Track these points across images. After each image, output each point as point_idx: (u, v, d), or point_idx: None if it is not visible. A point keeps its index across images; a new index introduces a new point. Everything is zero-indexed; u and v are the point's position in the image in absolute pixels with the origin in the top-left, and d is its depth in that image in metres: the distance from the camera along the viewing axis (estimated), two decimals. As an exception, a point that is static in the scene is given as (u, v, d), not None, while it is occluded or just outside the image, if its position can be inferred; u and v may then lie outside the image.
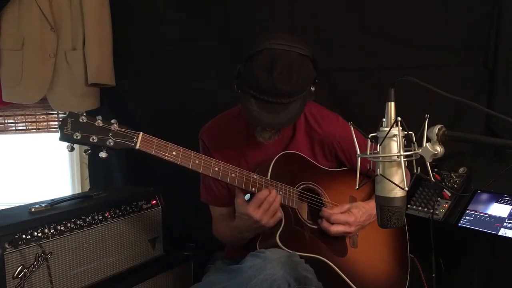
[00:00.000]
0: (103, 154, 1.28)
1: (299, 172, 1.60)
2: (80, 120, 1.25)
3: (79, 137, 1.24)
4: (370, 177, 1.03)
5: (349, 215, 1.55)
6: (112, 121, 1.29)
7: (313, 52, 1.49)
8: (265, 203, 1.43)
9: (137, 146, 1.31)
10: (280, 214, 1.47)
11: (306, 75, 1.47)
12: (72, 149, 1.27)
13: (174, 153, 1.35)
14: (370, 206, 1.61)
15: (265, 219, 1.43)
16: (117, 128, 1.29)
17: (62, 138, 1.25)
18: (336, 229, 1.53)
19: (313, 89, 1.53)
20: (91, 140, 1.25)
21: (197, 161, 1.39)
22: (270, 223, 1.45)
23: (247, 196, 1.52)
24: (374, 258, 1.65)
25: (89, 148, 1.28)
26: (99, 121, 1.27)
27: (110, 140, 1.27)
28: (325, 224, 1.53)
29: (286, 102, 1.44)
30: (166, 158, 1.34)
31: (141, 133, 1.32)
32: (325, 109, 1.72)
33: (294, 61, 1.42)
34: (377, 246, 1.68)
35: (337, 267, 1.51)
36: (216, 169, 1.42)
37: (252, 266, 1.32)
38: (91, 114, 1.29)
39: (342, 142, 1.65)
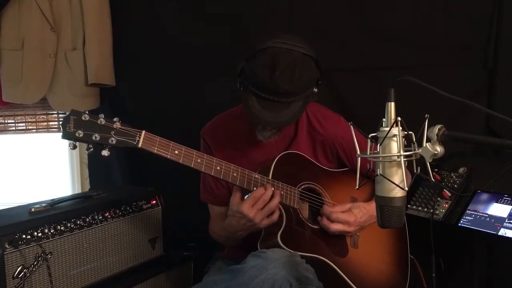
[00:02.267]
0: (105, 152, 1.28)
1: (300, 172, 1.60)
2: (83, 118, 1.25)
3: (81, 135, 1.23)
4: (370, 177, 1.03)
5: (350, 214, 1.55)
6: (115, 119, 1.29)
7: (317, 53, 1.49)
8: (260, 202, 1.42)
9: (140, 145, 1.30)
10: (276, 216, 1.46)
11: (308, 75, 1.46)
12: (74, 147, 1.26)
13: (176, 152, 1.35)
14: (371, 207, 1.60)
15: (259, 218, 1.42)
16: (119, 126, 1.28)
17: (64, 136, 1.24)
18: (335, 227, 1.53)
19: (316, 90, 1.53)
20: (93, 138, 1.25)
21: (199, 160, 1.39)
22: (263, 223, 1.44)
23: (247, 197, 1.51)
24: (375, 259, 1.65)
25: (91, 146, 1.27)
26: (102, 119, 1.26)
27: (113, 138, 1.27)
28: (325, 221, 1.53)
29: (288, 101, 1.43)
30: (169, 157, 1.33)
31: (143, 131, 1.31)
32: (327, 109, 1.72)
33: (297, 60, 1.42)
34: (378, 246, 1.68)
35: (337, 267, 1.51)
36: (218, 168, 1.42)
37: (253, 266, 1.32)
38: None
39: (343, 143, 1.65)
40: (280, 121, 1.47)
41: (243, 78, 1.49)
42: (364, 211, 1.59)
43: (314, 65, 1.48)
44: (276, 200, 1.45)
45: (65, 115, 2.29)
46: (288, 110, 1.44)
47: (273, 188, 1.46)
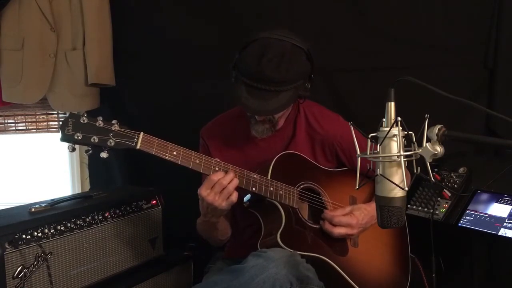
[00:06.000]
0: (104, 154, 1.29)
1: (299, 172, 1.60)
2: (81, 121, 1.26)
3: (80, 138, 1.24)
4: (370, 177, 1.03)
5: (352, 217, 1.55)
6: (113, 121, 1.30)
7: (310, 48, 1.49)
8: (217, 185, 1.40)
9: (138, 146, 1.31)
10: (234, 197, 1.43)
11: (297, 66, 1.47)
12: (73, 150, 1.28)
13: (174, 153, 1.35)
14: (372, 208, 1.60)
15: (218, 201, 1.40)
16: (117, 128, 1.29)
17: (63, 139, 1.25)
18: (338, 231, 1.53)
19: (308, 85, 1.53)
20: (92, 140, 1.26)
21: (197, 161, 1.39)
22: (223, 206, 1.41)
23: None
24: (375, 258, 1.65)
25: (90, 148, 1.28)
26: (100, 121, 1.28)
27: (111, 140, 1.28)
28: (327, 226, 1.53)
29: (275, 90, 1.43)
30: (167, 158, 1.34)
31: (141, 133, 1.32)
32: (326, 109, 1.72)
33: (286, 51, 1.43)
34: (378, 246, 1.68)
35: (338, 266, 1.51)
36: (217, 168, 1.42)
37: (254, 266, 1.32)
38: (91, 114, 1.30)
39: (342, 142, 1.65)
40: (266, 110, 1.46)
41: (236, 70, 1.50)
42: (365, 212, 1.58)
43: (305, 57, 1.49)
44: (234, 183, 1.42)
45: (65, 115, 2.29)
46: (276, 100, 1.44)
47: (233, 174, 1.42)
